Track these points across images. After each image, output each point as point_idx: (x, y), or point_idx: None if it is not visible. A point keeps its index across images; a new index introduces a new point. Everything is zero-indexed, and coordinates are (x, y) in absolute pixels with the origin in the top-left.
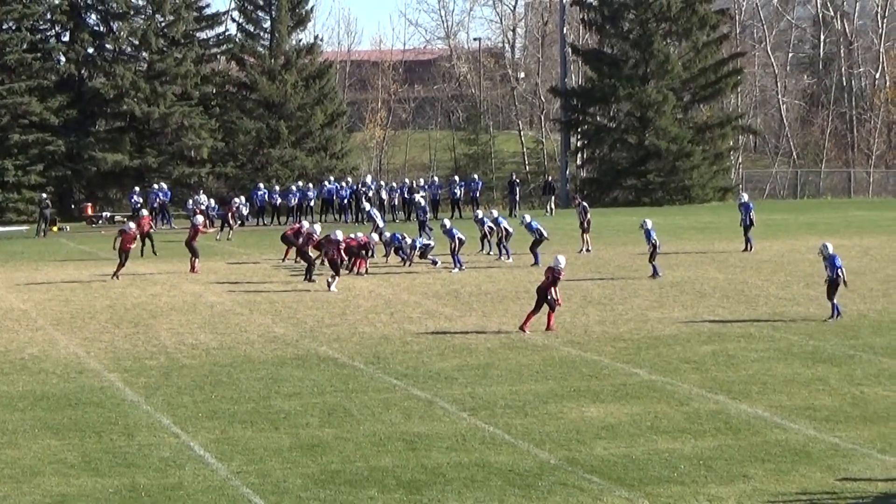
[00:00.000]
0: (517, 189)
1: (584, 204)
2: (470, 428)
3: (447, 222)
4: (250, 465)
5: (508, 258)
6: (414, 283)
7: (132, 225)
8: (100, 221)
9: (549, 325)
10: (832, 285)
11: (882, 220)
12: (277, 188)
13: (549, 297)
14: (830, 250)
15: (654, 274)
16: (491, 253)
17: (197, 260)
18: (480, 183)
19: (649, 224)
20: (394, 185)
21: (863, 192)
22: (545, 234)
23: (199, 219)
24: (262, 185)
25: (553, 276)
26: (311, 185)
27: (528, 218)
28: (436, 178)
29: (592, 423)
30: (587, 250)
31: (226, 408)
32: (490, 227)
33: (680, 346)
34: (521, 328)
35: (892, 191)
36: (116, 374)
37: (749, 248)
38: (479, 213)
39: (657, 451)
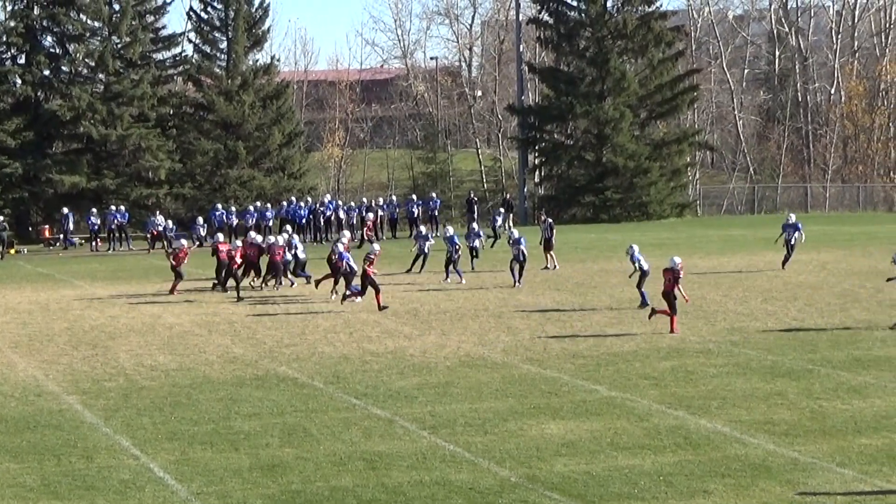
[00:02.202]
0: (475, 207)
1: (550, 220)
2: (430, 446)
3: (450, 229)
4: (210, 487)
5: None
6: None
7: (184, 242)
8: (57, 244)
9: (671, 326)
10: None
11: (838, 235)
12: (234, 208)
13: (674, 298)
14: None
15: (643, 303)
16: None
17: (179, 283)
18: (439, 201)
19: (636, 249)
20: (352, 204)
21: (819, 206)
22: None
23: (183, 242)
24: (219, 206)
25: (674, 276)
26: (269, 205)
27: (516, 234)
28: (394, 197)
29: (552, 441)
30: (554, 267)
31: (185, 429)
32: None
33: (639, 363)
34: (672, 331)
35: (848, 205)
36: (75, 396)
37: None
38: (450, 229)
39: (617, 468)
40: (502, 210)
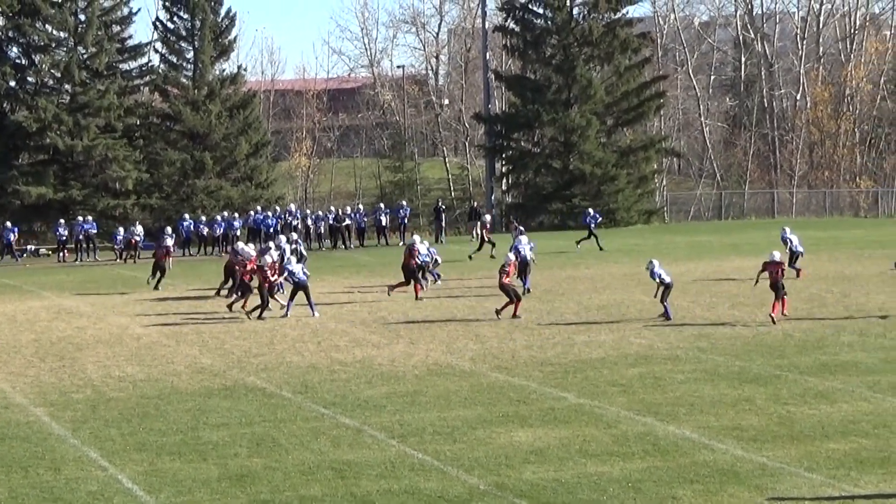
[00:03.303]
0: (443, 215)
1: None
2: (399, 455)
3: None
4: (179, 497)
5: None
6: (341, 311)
7: (250, 249)
8: (24, 255)
9: (783, 310)
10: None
11: (805, 240)
12: (203, 218)
13: (781, 287)
14: None
15: (667, 316)
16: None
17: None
18: (409, 210)
19: (656, 264)
20: (319, 213)
21: (786, 212)
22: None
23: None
24: (187, 216)
25: (778, 268)
26: (236, 214)
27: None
28: (361, 206)
29: (521, 448)
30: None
31: (153, 440)
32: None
33: (607, 370)
34: (780, 315)
35: (814, 210)
36: (42, 408)
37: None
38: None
39: (586, 475)
40: (488, 218)
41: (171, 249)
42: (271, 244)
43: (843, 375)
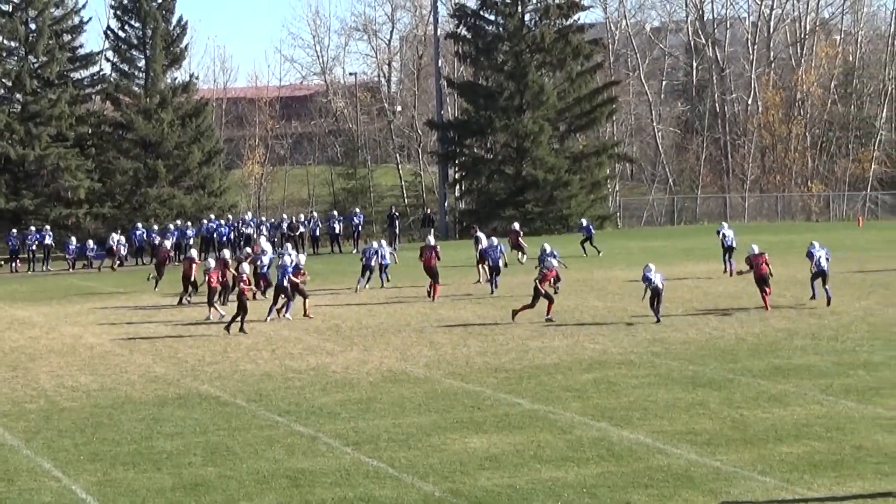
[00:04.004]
0: (397, 222)
1: (479, 235)
2: (353, 462)
3: (374, 243)
4: None
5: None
6: (295, 319)
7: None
8: None
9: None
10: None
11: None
12: (156, 227)
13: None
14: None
15: (657, 320)
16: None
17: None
18: (362, 217)
19: (653, 269)
20: (273, 221)
21: (738, 217)
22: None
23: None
24: (140, 225)
25: (763, 260)
26: (189, 223)
27: (547, 248)
28: (314, 213)
29: (476, 454)
30: (487, 280)
31: (107, 450)
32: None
33: (561, 375)
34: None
35: (766, 215)
36: None
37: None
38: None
39: (541, 480)
40: (517, 225)
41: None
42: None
43: (796, 379)
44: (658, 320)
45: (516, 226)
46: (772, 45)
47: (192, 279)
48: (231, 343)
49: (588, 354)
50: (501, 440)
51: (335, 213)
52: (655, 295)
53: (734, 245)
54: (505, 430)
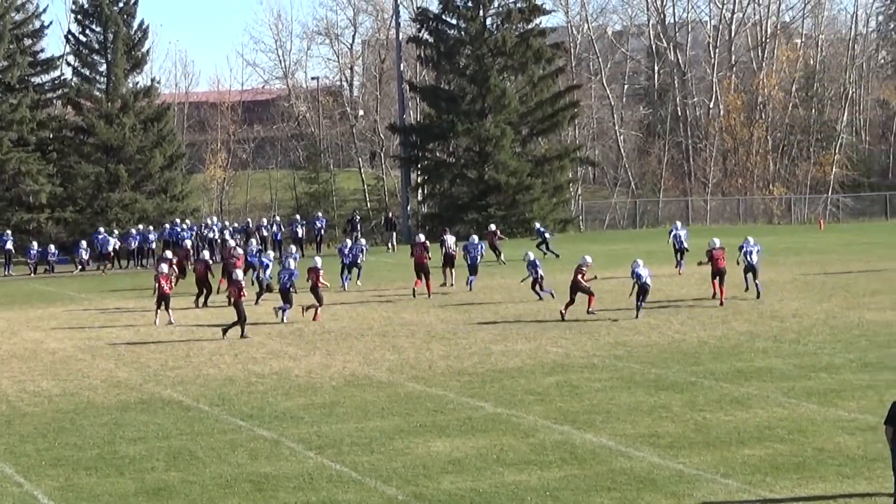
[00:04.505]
0: (359, 226)
1: (452, 238)
2: (317, 467)
3: (349, 242)
4: None
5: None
6: (257, 323)
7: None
8: None
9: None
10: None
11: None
12: (117, 232)
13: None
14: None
15: (636, 313)
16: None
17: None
18: (325, 221)
19: (641, 264)
20: (236, 224)
21: (700, 219)
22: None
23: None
24: (102, 229)
25: (722, 254)
26: (151, 227)
27: (531, 255)
28: (277, 217)
29: (439, 458)
30: (451, 284)
31: (70, 455)
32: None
33: (524, 379)
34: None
35: (728, 218)
36: None
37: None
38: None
39: (504, 484)
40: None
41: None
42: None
43: (758, 381)
44: (637, 316)
45: (493, 227)
46: (733, 48)
47: (207, 281)
48: (193, 348)
49: (551, 358)
50: (464, 444)
51: (298, 217)
52: (642, 291)
53: (686, 247)
54: (468, 433)
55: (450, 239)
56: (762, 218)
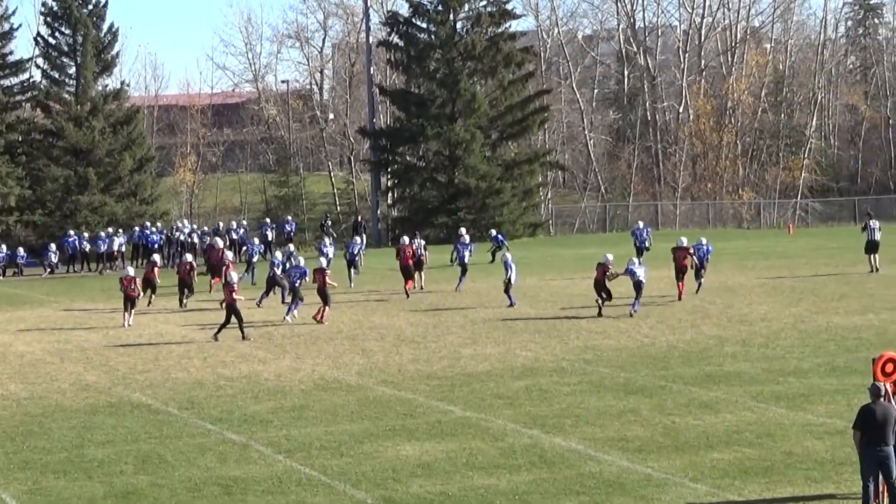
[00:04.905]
0: (330, 230)
1: (421, 241)
2: (286, 470)
3: (327, 241)
4: None
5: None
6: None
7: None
8: None
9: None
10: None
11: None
12: (87, 234)
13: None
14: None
15: (632, 310)
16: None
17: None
18: (294, 225)
19: (636, 263)
20: (205, 228)
21: (670, 224)
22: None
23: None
24: (72, 232)
25: (686, 253)
26: (120, 230)
27: (508, 256)
28: (244, 221)
29: (408, 462)
30: (421, 287)
31: (38, 458)
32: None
33: (493, 382)
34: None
35: (697, 222)
36: None
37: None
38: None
39: (473, 488)
40: (493, 231)
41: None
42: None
43: (727, 386)
44: (630, 314)
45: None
46: (703, 53)
47: (191, 283)
48: (162, 351)
49: (520, 362)
50: (434, 447)
51: (268, 220)
52: (636, 288)
53: (647, 246)
54: (437, 437)
55: (417, 242)
56: (731, 222)
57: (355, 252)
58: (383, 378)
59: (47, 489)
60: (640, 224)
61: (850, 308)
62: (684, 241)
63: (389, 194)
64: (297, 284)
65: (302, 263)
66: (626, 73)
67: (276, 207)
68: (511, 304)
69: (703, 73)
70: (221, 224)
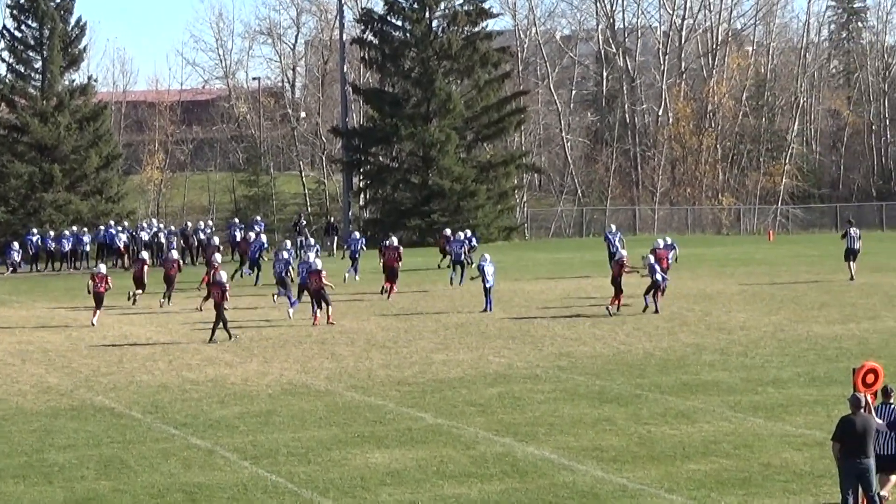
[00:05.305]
0: (306, 230)
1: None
2: (252, 477)
3: (287, 243)
4: None
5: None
6: (193, 328)
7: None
8: None
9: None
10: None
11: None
12: (52, 233)
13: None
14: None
15: (653, 307)
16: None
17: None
18: (263, 225)
19: (651, 259)
20: (172, 227)
21: (648, 229)
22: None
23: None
24: (35, 231)
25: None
26: (85, 229)
27: (486, 258)
28: (210, 221)
29: (377, 470)
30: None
31: None
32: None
33: (466, 389)
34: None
35: (676, 227)
36: None
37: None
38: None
39: (443, 497)
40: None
41: (181, 263)
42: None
43: (704, 395)
44: (652, 311)
45: (448, 231)
46: (683, 55)
47: (145, 281)
48: (127, 353)
49: (493, 368)
50: (403, 455)
51: (236, 220)
52: (654, 286)
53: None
54: (407, 444)
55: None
56: (711, 228)
57: (356, 249)
58: (353, 383)
59: (6, 494)
60: (612, 228)
61: (830, 317)
62: (661, 243)
63: (362, 195)
64: (306, 280)
65: (312, 259)
66: (604, 74)
67: (245, 207)
68: (486, 309)
69: (684, 75)
70: (189, 224)
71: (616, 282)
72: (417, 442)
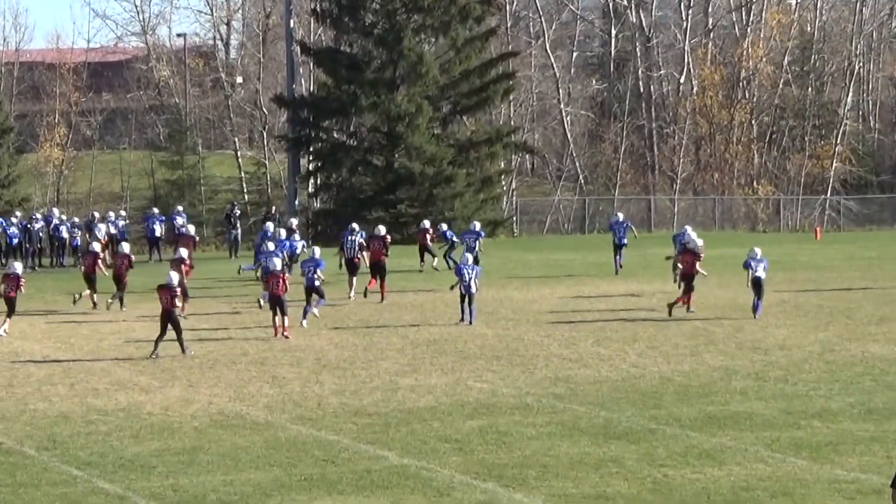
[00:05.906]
0: (237, 222)
1: (361, 238)
2: None
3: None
4: None
5: None
6: (101, 344)
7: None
8: None
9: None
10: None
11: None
12: None
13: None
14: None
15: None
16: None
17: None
18: (186, 217)
19: (758, 253)
20: (76, 219)
21: (665, 224)
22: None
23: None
24: None
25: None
26: None
27: (468, 258)
28: (122, 212)
29: None
30: (350, 297)
31: None
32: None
33: (439, 422)
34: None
35: (701, 222)
36: None
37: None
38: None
39: None
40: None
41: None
42: None
43: (734, 430)
44: (755, 316)
45: (426, 224)
46: (711, 9)
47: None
48: (18, 374)
49: (473, 396)
50: (361, 502)
51: (155, 210)
52: (754, 285)
53: (625, 243)
54: (366, 490)
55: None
56: (743, 223)
57: (294, 253)
58: (299, 414)
59: None
60: (620, 216)
61: (891, 334)
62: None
63: (311, 180)
64: (313, 281)
65: (318, 255)
66: (613, 32)
67: (166, 195)
68: (462, 321)
69: (711, 34)
70: (96, 214)
71: (689, 277)
72: (378, 487)
